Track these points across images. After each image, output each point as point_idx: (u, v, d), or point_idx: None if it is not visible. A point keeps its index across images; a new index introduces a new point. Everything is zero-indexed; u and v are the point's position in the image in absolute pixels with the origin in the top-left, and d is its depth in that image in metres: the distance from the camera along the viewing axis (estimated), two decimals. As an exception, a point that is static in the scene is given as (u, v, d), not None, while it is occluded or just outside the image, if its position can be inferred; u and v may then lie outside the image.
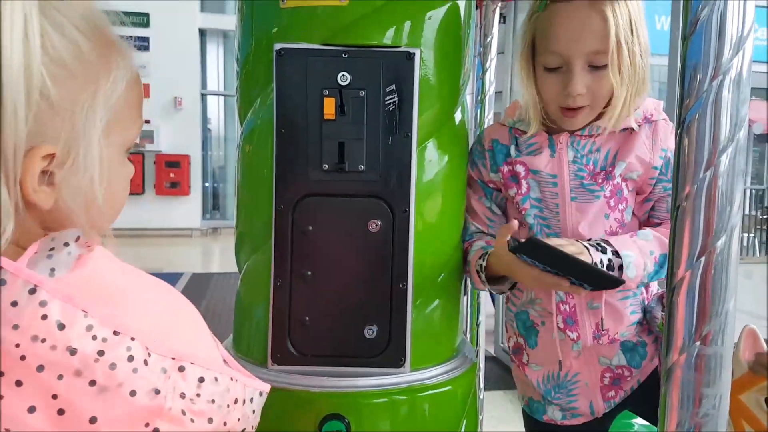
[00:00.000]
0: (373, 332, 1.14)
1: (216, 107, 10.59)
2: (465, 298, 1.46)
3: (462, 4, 1.19)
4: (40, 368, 0.42)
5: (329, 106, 1.08)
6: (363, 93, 1.09)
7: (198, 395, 0.49)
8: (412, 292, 1.15)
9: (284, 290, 1.14)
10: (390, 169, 1.12)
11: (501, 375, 3.49)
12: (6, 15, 0.44)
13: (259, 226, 1.16)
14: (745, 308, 5.31)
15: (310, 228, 1.12)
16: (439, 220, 1.20)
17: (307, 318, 1.14)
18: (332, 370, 1.14)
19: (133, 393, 0.45)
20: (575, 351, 1.24)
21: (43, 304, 0.43)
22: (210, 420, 0.50)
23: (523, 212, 1.23)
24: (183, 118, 9.29)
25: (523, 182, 1.22)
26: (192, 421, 0.48)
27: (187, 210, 9.54)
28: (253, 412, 0.57)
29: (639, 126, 1.18)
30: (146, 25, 8.56)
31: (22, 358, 0.42)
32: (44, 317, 0.43)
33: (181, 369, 0.49)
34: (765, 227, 9.27)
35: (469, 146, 1.31)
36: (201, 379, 0.50)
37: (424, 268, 1.16)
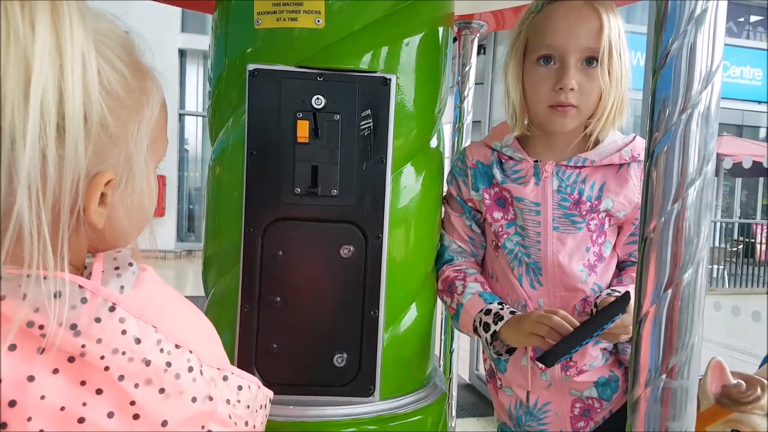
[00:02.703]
0: (342, 360, 1.12)
1: (194, 127, 10.54)
2: (439, 324, 1.45)
3: (440, 31, 1.20)
4: (121, 378, 0.47)
5: (303, 129, 1.07)
6: (338, 117, 1.09)
7: (238, 401, 0.57)
8: (384, 319, 1.13)
9: (252, 316, 1.11)
10: (364, 194, 1.11)
11: (475, 402, 3.46)
12: (67, 55, 0.46)
13: (228, 250, 1.14)
14: (714, 339, 5.37)
15: (280, 253, 1.10)
16: (413, 247, 1.19)
17: (275, 345, 1.11)
18: (300, 398, 1.12)
19: (194, 399, 0.51)
20: (544, 381, 1.23)
21: (122, 320, 0.48)
22: (246, 423, 0.57)
23: (504, 238, 1.22)
24: (160, 138, 9.20)
25: (510, 208, 1.22)
26: (235, 423, 0.56)
27: (162, 232, 9.40)
28: (266, 416, 0.64)
29: (627, 163, 1.19)
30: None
31: (106, 368, 0.46)
32: (124, 332, 0.48)
33: (225, 378, 0.56)
34: (734, 259, 9.46)
35: (443, 174, 1.31)
36: (239, 387, 0.58)
37: (396, 296, 1.15)
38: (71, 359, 0.46)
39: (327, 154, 1.09)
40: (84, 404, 0.46)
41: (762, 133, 13.55)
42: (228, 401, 0.55)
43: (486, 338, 1.15)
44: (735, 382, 0.99)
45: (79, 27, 0.48)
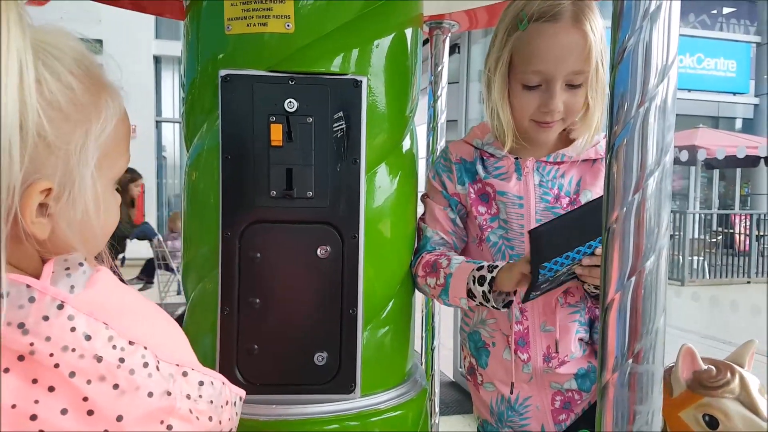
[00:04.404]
0: (323, 359, 1.13)
1: (171, 134, 10.45)
2: (420, 321, 1.46)
3: (409, 33, 1.22)
4: (72, 374, 0.48)
5: (276, 133, 1.08)
6: (311, 119, 1.10)
7: (200, 396, 0.57)
8: (362, 317, 1.15)
9: (232, 318, 1.12)
10: (339, 195, 1.13)
11: (459, 399, 3.48)
12: (3, 62, 0.47)
13: (206, 254, 1.15)
14: (692, 329, 5.47)
15: (258, 255, 1.11)
16: (389, 245, 1.21)
17: (256, 346, 1.12)
18: (282, 398, 1.13)
19: (150, 394, 0.51)
20: (525, 374, 1.24)
21: (71, 318, 0.49)
22: (210, 418, 0.58)
23: (488, 231, 1.24)
24: (137, 145, 9.10)
25: (493, 203, 1.24)
26: (197, 419, 0.56)
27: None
28: (236, 414, 0.64)
29: (601, 158, 1.21)
30: (99, 52, 8.41)
31: (56, 366, 0.47)
32: (73, 329, 0.48)
33: (185, 374, 0.56)
34: (713, 250, 9.60)
35: (417, 173, 1.32)
36: (201, 383, 0.58)
37: (374, 294, 1.16)
38: (21, 358, 0.47)
39: (301, 156, 1.10)
40: (36, 402, 0.46)
41: (738, 123, 13.80)
42: (188, 396, 0.56)
43: (483, 291, 1.14)
44: (705, 367, 1.01)
45: (18, 37, 0.49)
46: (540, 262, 1.03)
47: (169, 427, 0.53)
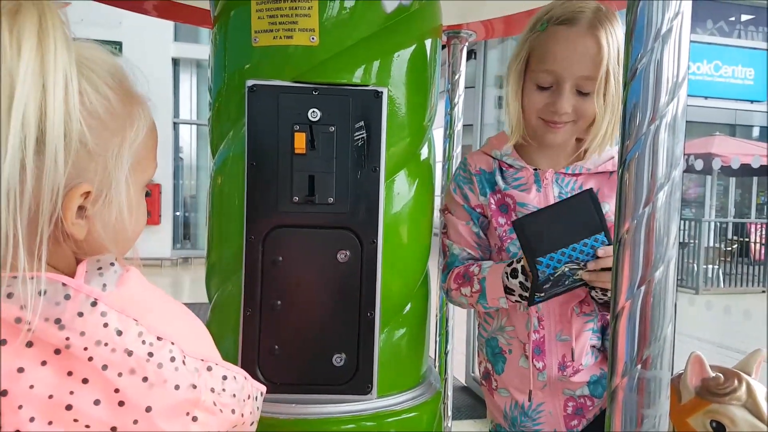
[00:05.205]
0: (341, 360, 1.17)
1: (188, 136, 10.56)
2: (434, 326, 1.49)
3: (428, 44, 1.25)
4: (104, 367, 0.51)
5: (300, 141, 1.12)
6: (333, 128, 1.14)
7: (224, 390, 0.60)
8: (380, 320, 1.18)
9: (254, 320, 1.16)
10: (358, 201, 1.16)
11: (472, 404, 3.50)
12: (50, 76, 0.52)
13: (230, 257, 1.19)
14: (706, 338, 5.43)
15: (280, 258, 1.15)
16: (406, 250, 1.24)
17: (276, 347, 1.16)
18: (301, 397, 1.16)
19: (177, 387, 0.55)
20: (540, 381, 1.26)
21: (103, 314, 0.52)
22: (233, 411, 0.61)
23: (507, 242, 1.27)
24: (155, 146, 9.21)
25: (513, 213, 1.26)
26: (221, 411, 0.59)
27: (158, 239, 9.39)
28: (258, 408, 0.67)
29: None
30: (118, 54, 8.53)
31: (90, 359, 0.50)
32: (105, 325, 0.52)
33: (209, 369, 0.59)
34: (729, 259, 9.51)
35: (434, 180, 1.36)
36: (224, 377, 0.61)
37: (391, 297, 1.20)
38: (57, 351, 0.50)
39: (323, 164, 1.14)
40: (71, 393, 0.49)
41: (755, 132, 13.67)
42: (213, 390, 0.59)
43: (519, 282, 1.15)
44: (714, 375, 1.04)
45: (63, 52, 0.54)
46: (534, 256, 1.06)
47: (195, 418, 0.56)
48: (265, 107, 1.13)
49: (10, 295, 0.49)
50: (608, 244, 1.06)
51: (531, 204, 1.24)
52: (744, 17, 14.36)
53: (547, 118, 1.21)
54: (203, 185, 10.11)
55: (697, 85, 12.21)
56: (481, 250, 1.33)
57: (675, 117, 0.70)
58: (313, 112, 1.13)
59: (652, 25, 0.69)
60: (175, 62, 9.72)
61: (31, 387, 0.48)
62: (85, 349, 0.50)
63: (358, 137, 1.15)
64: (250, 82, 1.13)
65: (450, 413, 2.17)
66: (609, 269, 0.96)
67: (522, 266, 1.15)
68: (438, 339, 2.07)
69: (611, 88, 1.16)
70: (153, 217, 9.26)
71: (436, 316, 2.05)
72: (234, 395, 0.62)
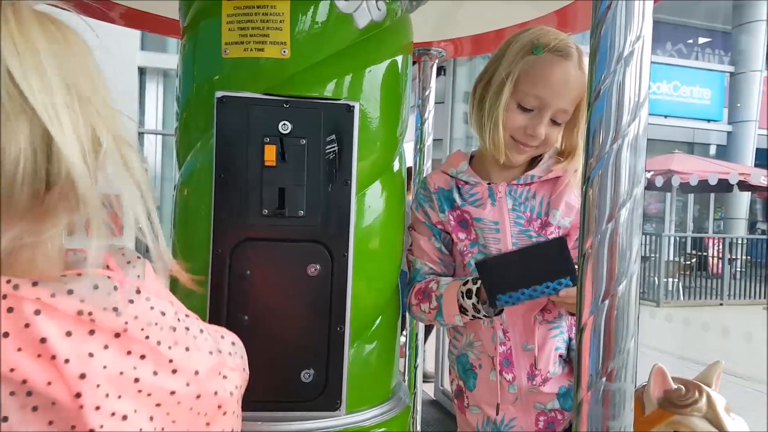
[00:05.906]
0: (309, 376, 1.16)
1: (153, 146, 10.38)
2: (403, 340, 1.49)
3: (399, 60, 1.27)
4: (158, 343, 0.58)
5: (270, 153, 1.11)
6: (304, 141, 1.13)
7: (235, 352, 0.70)
8: (350, 335, 1.17)
9: (221, 333, 1.14)
10: (329, 214, 1.16)
11: (440, 419, 3.50)
12: (54, 117, 0.54)
13: (196, 270, 1.17)
14: (667, 350, 5.56)
15: (249, 272, 1.14)
16: (377, 263, 1.24)
17: (244, 361, 1.14)
18: (268, 414, 1.15)
19: (210, 353, 0.64)
20: (511, 394, 1.28)
21: (147, 299, 0.59)
22: (243, 369, 0.71)
23: (468, 256, 1.29)
24: (119, 156, 9.03)
25: (472, 229, 1.29)
26: (243, 369, 0.70)
27: (121, 251, 9.19)
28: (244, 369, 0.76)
29: (565, 172, 1.28)
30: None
31: (146, 338, 0.57)
32: (152, 308, 0.59)
33: (222, 336, 0.70)
34: (688, 272, 9.76)
35: (405, 194, 1.37)
36: (233, 343, 0.71)
37: (361, 312, 1.20)
38: (117, 335, 0.56)
39: (293, 176, 1.13)
40: (135, 368, 0.56)
41: (712, 150, 14.14)
42: (229, 353, 0.69)
43: (472, 304, 1.18)
44: (676, 387, 1.06)
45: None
46: (493, 292, 1.10)
47: (225, 377, 0.65)
48: (235, 119, 1.13)
49: (70, 291, 0.54)
50: (572, 287, 1.08)
51: (487, 218, 1.27)
52: (701, 40, 14.91)
53: (520, 139, 1.24)
54: (167, 196, 9.94)
55: (657, 105, 12.60)
56: (444, 265, 1.35)
57: (636, 136, 0.72)
58: (284, 124, 1.12)
59: (614, 48, 0.71)
60: (142, 71, 9.58)
61: (105, 367, 0.54)
62: (142, 329, 0.57)
63: (329, 150, 1.15)
64: (219, 94, 1.13)
65: (419, 427, 2.17)
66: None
67: (477, 288, 1.18)
68: (408, 353, 2.07)
69: (575, 117, 1.24)
70: (116, 228, 9.04)
71: (405, 329, 2.05)
72: (242, 357, 0.72)
